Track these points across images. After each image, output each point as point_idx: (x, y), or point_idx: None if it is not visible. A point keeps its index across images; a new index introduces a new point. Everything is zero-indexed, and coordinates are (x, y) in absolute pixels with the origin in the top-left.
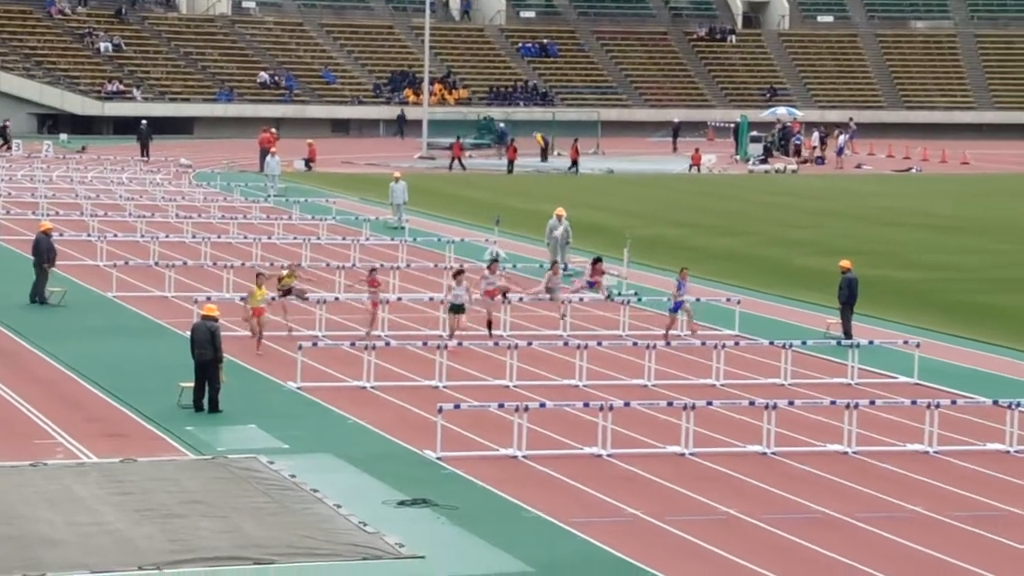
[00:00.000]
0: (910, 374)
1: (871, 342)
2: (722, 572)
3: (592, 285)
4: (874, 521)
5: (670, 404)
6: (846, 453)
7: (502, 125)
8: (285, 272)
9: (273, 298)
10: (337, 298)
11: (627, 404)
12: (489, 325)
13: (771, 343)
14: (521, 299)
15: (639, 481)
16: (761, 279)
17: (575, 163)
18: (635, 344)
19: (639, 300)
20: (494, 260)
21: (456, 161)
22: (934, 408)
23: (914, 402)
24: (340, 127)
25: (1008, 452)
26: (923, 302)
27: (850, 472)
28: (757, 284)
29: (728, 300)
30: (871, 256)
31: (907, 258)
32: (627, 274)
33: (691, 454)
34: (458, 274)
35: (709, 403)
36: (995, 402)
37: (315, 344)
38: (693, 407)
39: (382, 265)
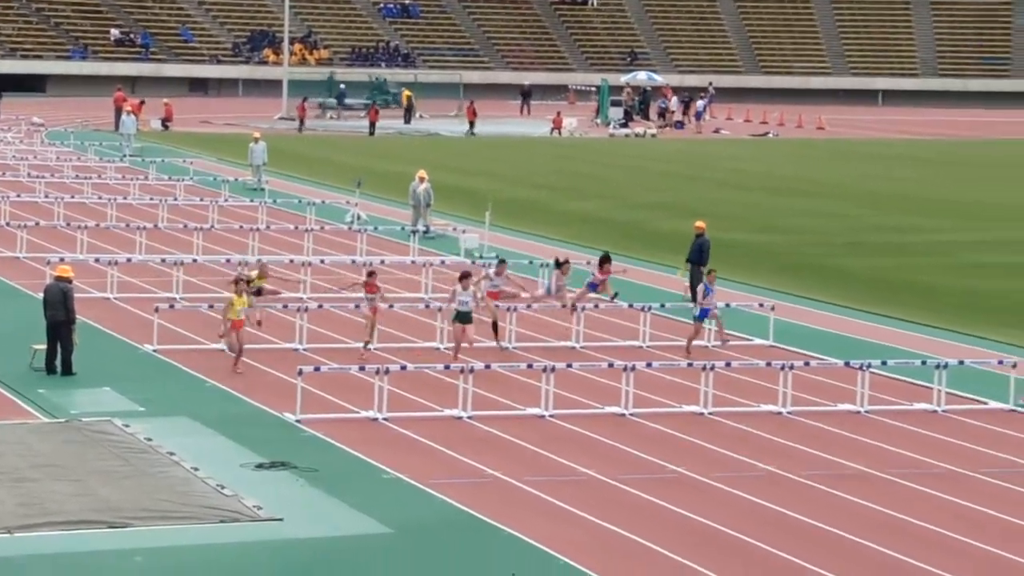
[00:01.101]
0: (765, 336)
1: (727, 304)
2: (580, 532)
3: (594, 287)
4: (729, 480)
5: (530, 366)
6: (702, 414)
7: (395, 87)
8: (254, 273)
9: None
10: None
11: (487, 367)
12: (495, 327)
13: (630, 305)
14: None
15: (499, 443)
16: (620, 242)
17: (472, 124)
18: (496, 306)
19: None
20: (502, 261)
21: (301, 122)
22: (788, 370)
23: (768, 364)
24: (198, 86)
25: (859, 412)
26: (778, 265)
27: (706, 432)
28: (616, 247)
29: (588, 263)
30: (728, 219)
31: (762, 221)
32: (488, 237)
33: (551, 416)
34: (464, 277)
35: (569, 365)
36: (846, 363)
37: (172, 306)
38: (553, 369)
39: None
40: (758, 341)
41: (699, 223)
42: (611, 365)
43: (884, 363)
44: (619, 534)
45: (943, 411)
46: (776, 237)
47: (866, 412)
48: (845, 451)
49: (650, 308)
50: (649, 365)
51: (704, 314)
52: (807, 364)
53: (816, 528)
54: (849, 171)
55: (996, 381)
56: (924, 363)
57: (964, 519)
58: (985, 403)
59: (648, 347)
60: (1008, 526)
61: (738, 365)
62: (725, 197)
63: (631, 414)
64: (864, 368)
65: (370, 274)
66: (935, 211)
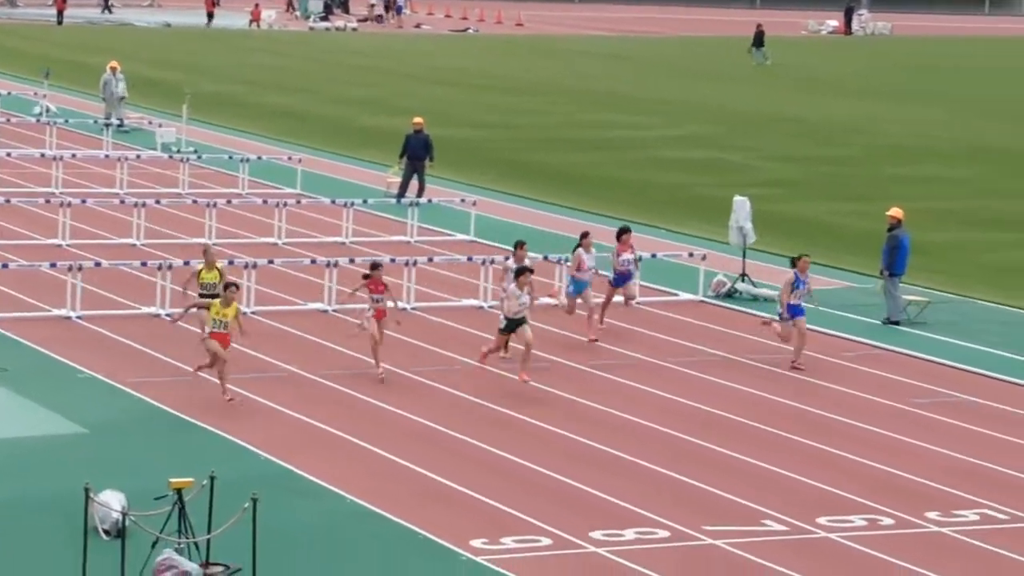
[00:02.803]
0: (467, 231)
1: (430, 201)
2: (286, 429)
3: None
4: (431, 375)
5: (231, 263)
6: (405, 309)
7: None
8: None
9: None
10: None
11: (186, 263)
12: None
13: (332, 201)
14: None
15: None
16: (321, 137)
17: (211, 16)
18: (195, 202)
19: (199, 158)
20: (521, 244)
21: None
22: (489, 264)
23: (470, 259)
24: None
25: (555, 305)
26: (478, 160)
27: (409, 327)
28: (316, 142)
29: (289, 159)
30: (431, 115)
31: (463, 117)
32: (186, 131)
33: (252, 312)
34: (521, 274)
35: (270, 261)
36: (545, 257)
37: None
38: (255, 266)
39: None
40: (460, 236)
41: (417, 119)
42: (313, 261)
43: None
44: (321, 429)
45: (637, 303)
46: (477, 133)
47: (560, 305)
48: (547, 344)
49: (353, 204)
50: (352, 261)
51: (796, 313)
52: (507, 259)
53: (517, 419)
54: (548, 68)
55: (687, 273)
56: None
57: (655, 407)
58: (676, 295)
59: (351, 243)
60: (696, 412)
61: (440, 260)
62: (428, 92)
63: (334, 310)
64: (561, 262)
65: (374, 266)
66: (633, 108)
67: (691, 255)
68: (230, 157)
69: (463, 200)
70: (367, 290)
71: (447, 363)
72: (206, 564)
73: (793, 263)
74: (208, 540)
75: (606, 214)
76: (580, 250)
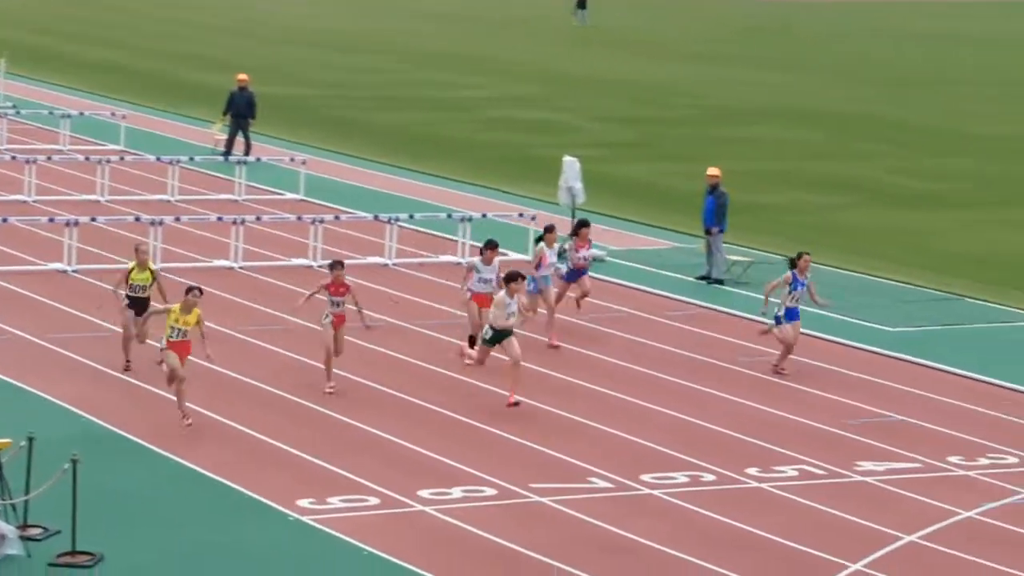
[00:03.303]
0: (296, 190)
1: (258, 159)
2: (108, 390)
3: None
4: (258, 334)
5: (51, 220)
6: (232, 268)
7: None
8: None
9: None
10: None
11: (4, 220)
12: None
13: (158, 159)
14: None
15: (18, 299)
16: (146, 93)
17: None
18: (13, 158)
19: (17, 113)
20: (492, 244)
21: None
22: (318, 224)
23: (299, 218)
24: None
25: (387, 265)
26: (311, 119)
27: (237, 287)
28: (142, 98)
29: (113, 114)
30: (257, 72)
31: (297, 75)
32: (3, 86)
33: (74, 271)
34: (512, 279)
35: (93, 219)
36: (375, 217)
37: None
38: (76, 223)
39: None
40: (289, 195)
41: (241, 76)
42: (138, 219)
43: (411, 216)
44: (145, 389)
45: (466, 262)
46: (308, 90)
47: (394, 265)
48: (373, 302)
49: (178, 161)
50: (178, 220)
51: (792, 314)
52: (337, 218)
53: (347, 379)
54: (381, 26)
55: (516, 232)
56: (450, 216)
57: (483, 366)
58: (506, 254)
59: (177, 201)
60: (525, 371)
61: (269, 219)
62: (253, 49)
63: (161, 270)
64: (392, 222)
65: (333, 265)
66: (464, 68)
67: (521, 215)
68: (50, 112)
69: (292, 159)
70: (326, 292)
71: (276, 322)
72: (24, 526)
73: (792, 263)
74: (26, 502)
75: (437, 174)
76: (542, 245)
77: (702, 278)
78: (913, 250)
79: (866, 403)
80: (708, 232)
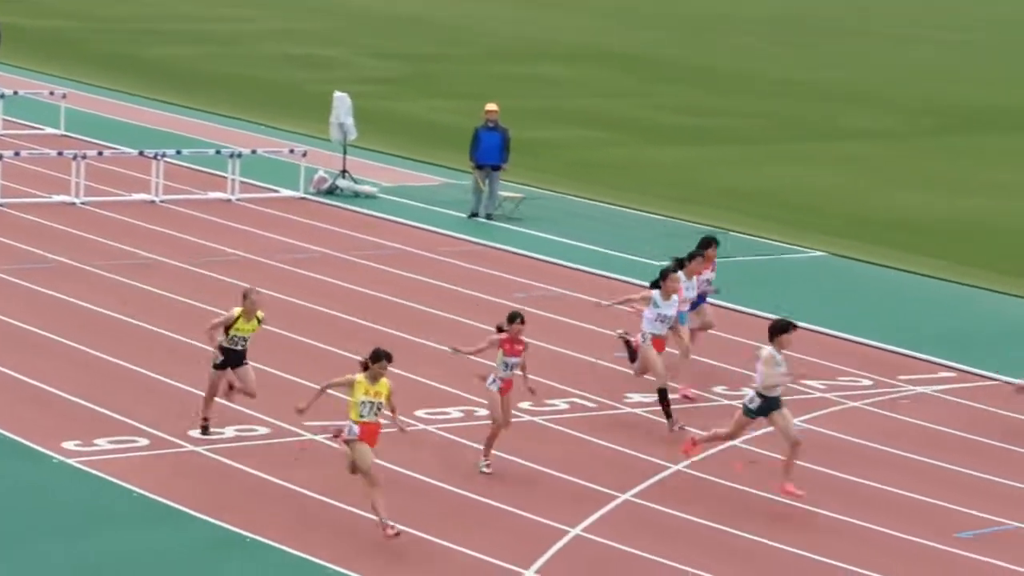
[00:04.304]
0: (56, 125)
1: (15, 92)
2: None
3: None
4: (20, 273)
5: None
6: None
7: None
8: None
9: None
10: None
11: None
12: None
13: None
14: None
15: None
16: None
17: None
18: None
19: None
20: (517, 319)
21: None
22: (80, 159)
23: (60, 153)
24: None
25: (154, 202)
26: (70, 52)
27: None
28: None
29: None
30: (9, 2)
31: (51, 6)
32: None
33: None
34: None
35: None
36: (140, 153)
37: None
38: None
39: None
40: (49, 130)
41: None
42: None
43: (179, 152)
44: None
45: (237, 199)
46: (68, 23)
47: (161, 202)
48: (141, 240)
49: None
50: None
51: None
52: (100, 154)
53: (114, 319)
54: None
55: (287, 169)
56: (219, 152)
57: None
58: (277, 191)
59: None
60: (289, 307)
61: (28, 155)
62: None
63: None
64: (159, 158)
65: (513, 318)
66: (229, 0)
67: (292, 151)
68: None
69: (52, 93)
70: (500, 349)
71: (41, 260)
72: None
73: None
74: None
75: (207, 110)
76: (680, 274)
77: (473, 215)
78: (682, 185)
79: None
80: (481, 168)
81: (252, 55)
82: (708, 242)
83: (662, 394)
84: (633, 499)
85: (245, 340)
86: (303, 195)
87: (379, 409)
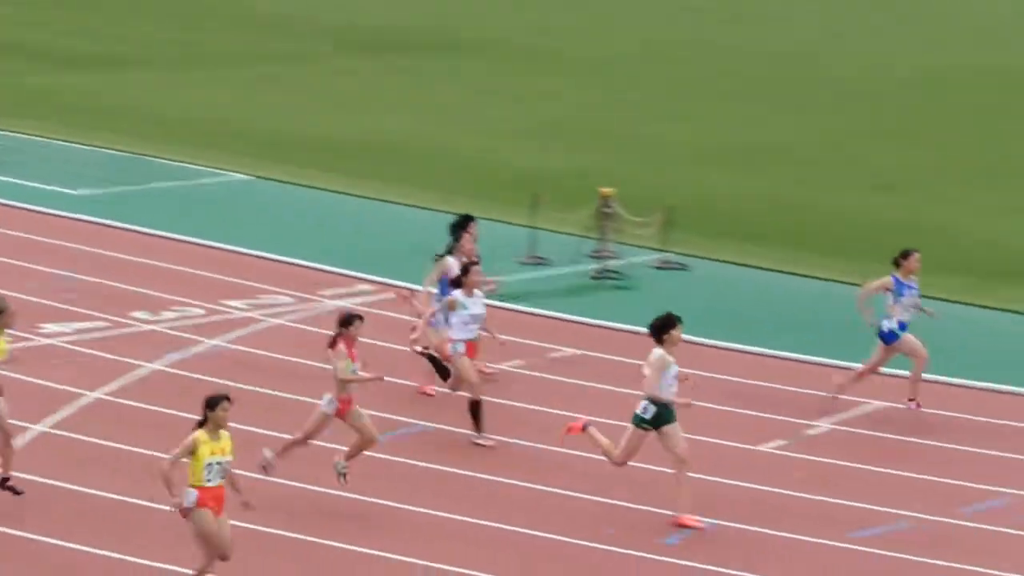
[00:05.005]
0: None
1: None
2: None
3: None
4: None
5: None
6: None
7: None
8: None
9: None
10: None
11: None
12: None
13: None
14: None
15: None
16: None
17: None
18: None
19: None
20: (472, 264)
21: None
22: None
23: None
24: None
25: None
26: None
27: None
28: None
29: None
30: None
31: None
32: None
33: None
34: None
35: None
36: None
37: None
38: None
39: None
40: None
41: None
42: None
43: None
44: None
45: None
46: None
47: None
48: None
49: None
50: None
51: (901, 328)
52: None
53: None
54: None
55: None
56: None
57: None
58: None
59: None
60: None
61: None
62: None
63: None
64: None
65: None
66: None
67: None
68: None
69: None
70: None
71: None
72: None
73: (896, 263)
74: None
75: None
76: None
77: None
78: (92, 112)
79: (54, 266)
80: None
81: None
82: (468, 219)
83: (475, 406)
84: (49, 429)
85: None
86: None
87: (226, 470)
